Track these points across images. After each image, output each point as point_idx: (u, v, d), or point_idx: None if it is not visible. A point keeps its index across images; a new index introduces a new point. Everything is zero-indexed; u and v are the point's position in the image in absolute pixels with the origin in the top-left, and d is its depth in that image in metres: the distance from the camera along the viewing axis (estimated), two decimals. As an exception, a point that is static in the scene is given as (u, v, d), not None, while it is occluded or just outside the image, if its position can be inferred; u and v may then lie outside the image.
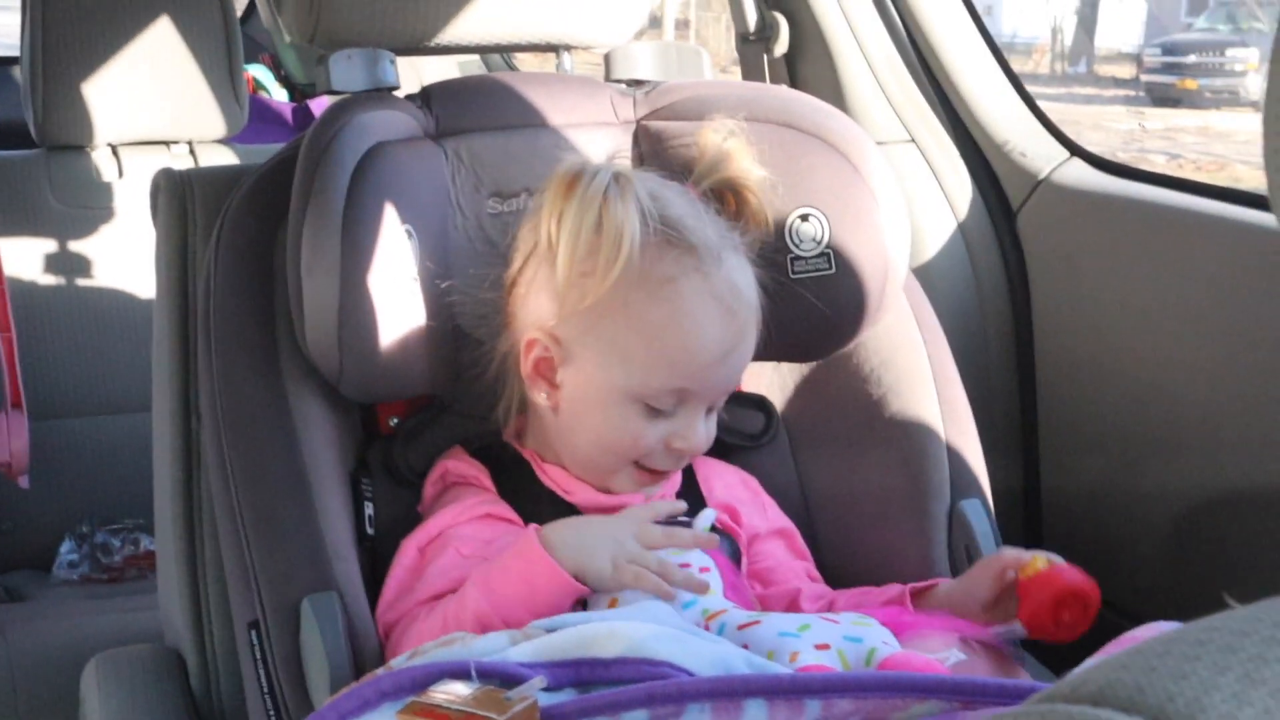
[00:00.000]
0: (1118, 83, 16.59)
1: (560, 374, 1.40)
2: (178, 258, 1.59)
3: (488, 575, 1.29)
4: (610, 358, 1.37)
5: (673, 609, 1.28)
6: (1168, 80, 14.11)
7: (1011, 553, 1.39)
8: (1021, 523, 2.11)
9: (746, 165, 1.49)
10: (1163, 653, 0.53)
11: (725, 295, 1.37)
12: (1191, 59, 13.66)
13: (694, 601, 1.28)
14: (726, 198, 1.49)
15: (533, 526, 1.31)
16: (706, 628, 1.26)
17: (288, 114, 3.32)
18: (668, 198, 1.40)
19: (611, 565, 1.26)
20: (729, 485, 1.52)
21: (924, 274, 2.03)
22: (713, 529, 1.43)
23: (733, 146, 1.49)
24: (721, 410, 1.58)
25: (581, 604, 1.31)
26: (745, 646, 1.23)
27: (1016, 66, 2.09)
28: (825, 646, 1.24)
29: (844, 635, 1.26)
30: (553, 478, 1.43)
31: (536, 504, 1.41)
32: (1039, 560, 1.37)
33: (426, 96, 1.58)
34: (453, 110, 1.55)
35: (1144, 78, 15.16)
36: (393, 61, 1.57)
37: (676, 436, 1.38)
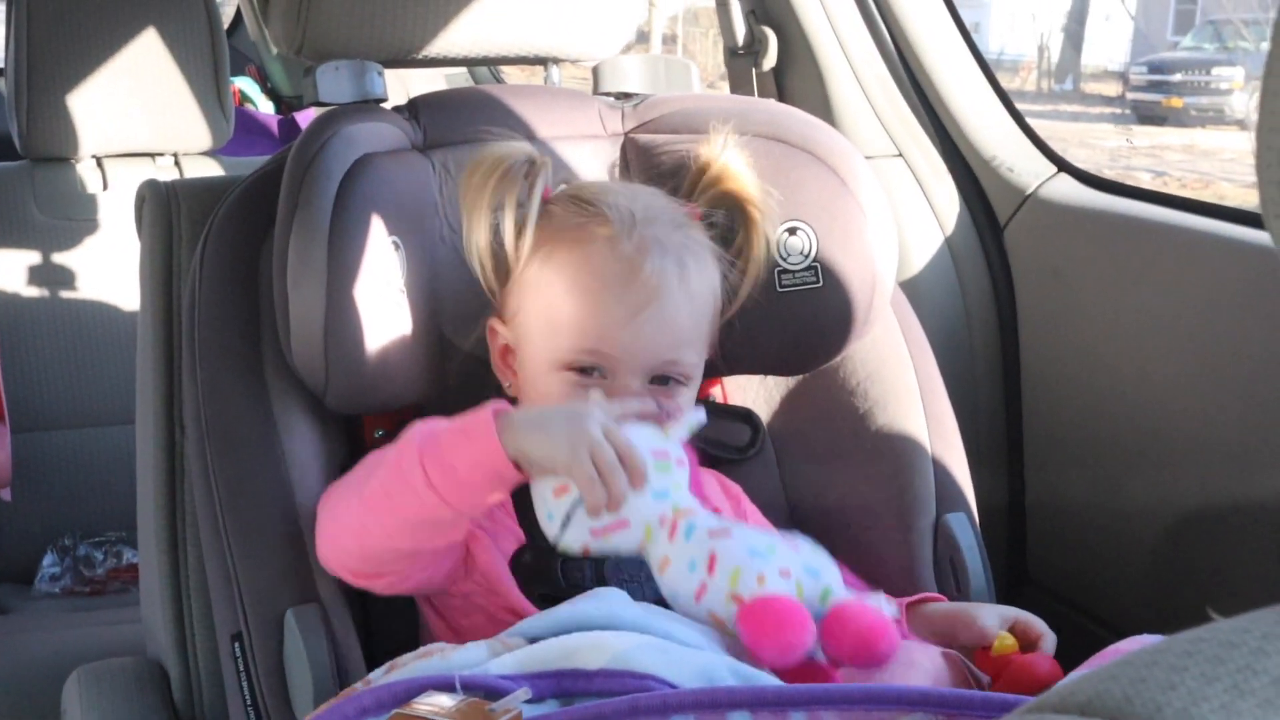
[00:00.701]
0: (1104, 100, 16.66)
1: (515, 358, 1.43)
2: (162, 270, 1.58)
3: (428, 432, 1.27)
4: (535, 330, 1.40)
5: (628, 597, 1.27)
6: (1154, 98, 14.16)
7: (981, 629, 1.38)
8: (1007, 536, 2.11)
9: (745, 179, 1.49)
10: (1151, 663, 0.53)
11: (633, 258, 1.36)
12: (1177, 77, 13.71)
13: (665, 494, 1.26)
14: (728, 213, 1.49)
15: (493, 404, 1.27)
16: (674, 526, 1.25)
17: (273, 126, 3.32)
18: (599, 184, 1.45)
19: (570, 447, 1.22)
20: (715, 494, 1.52)
21: (911, 288, 2.03)
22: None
23: (730, 160, 1.49)
24: (708, 424, 1.58)
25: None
26: (713, 555, 1.22)
27: (1003, 84, 2.09)
28: (788, 573, 1.23)
29: (804, 565, 1.25)
30: None
31: (531, 511, 1.41)
32: (1007, 639, 1.36)
33: (414, 108, 1.58)
34: (440, 122, 1.55)
35: (1130, 95, 15.22)
36: (380, 73, 1.57)
37: None
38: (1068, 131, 12.84)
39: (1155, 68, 14.61)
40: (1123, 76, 16.57)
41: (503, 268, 1.42)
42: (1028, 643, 1.38)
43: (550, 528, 1.26)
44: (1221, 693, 0.50)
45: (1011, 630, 1.39)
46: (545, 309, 1.40)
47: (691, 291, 1.39)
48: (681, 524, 1.25)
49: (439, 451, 1.24)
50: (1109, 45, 19.24)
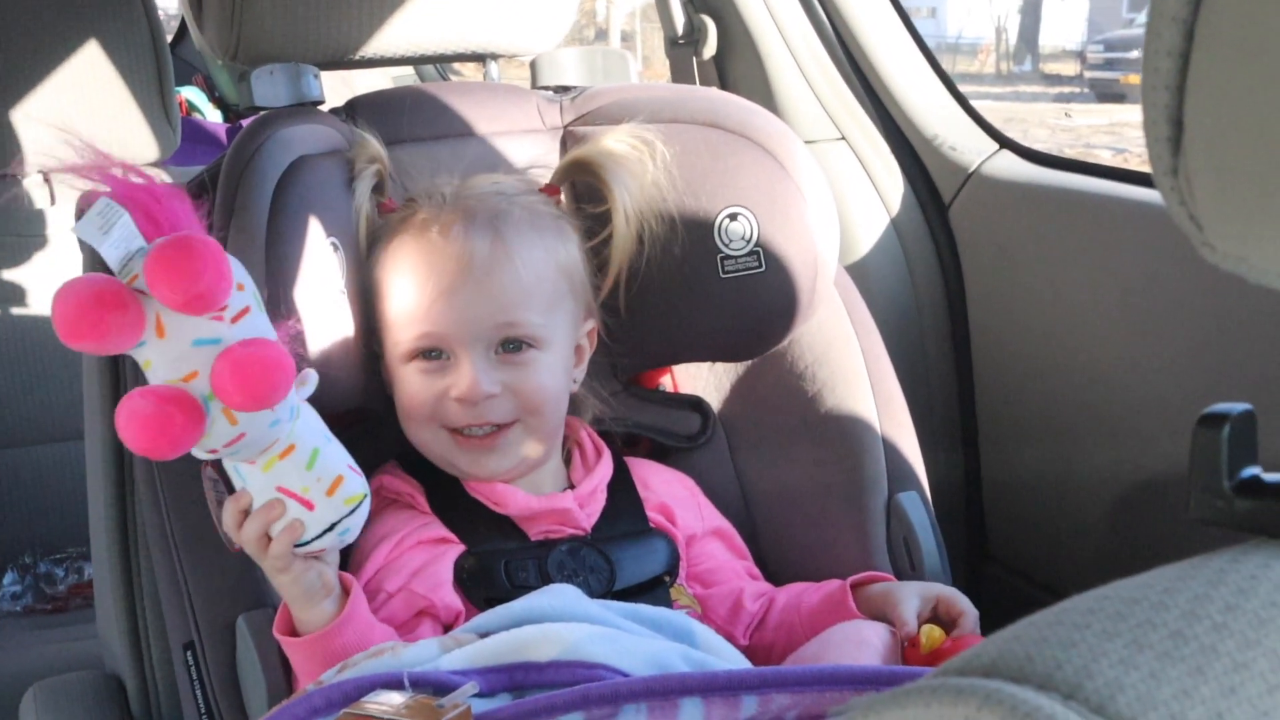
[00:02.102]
0: (1062, 80, 16.72)
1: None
2: (104, 280, 1.57)
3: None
4: (385, 331, 1.43)
5: (580, 592, 1.28)
6: (1111, 76, 14.22)
7: (900, 616, 1.37)
8: (963, 512, 2.12)
9: (598, 147, 1.51)
10: (1054, 623, 0.54)
11: (441, 234, 1.39)
12: (1134, 54, 13.75)
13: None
14: (585, 182, 1.52)
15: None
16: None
17: (222, 134, 3.31)
18: (436, 180, 1.47)
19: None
20: (666, 483, 1.52)
21: (859, 270, 2.04)
22: (647, 528, 1.43)
23: (596, 139, 1.53)
24: (658, 411, 1.58)
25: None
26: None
27: (962, 67, 2.11)
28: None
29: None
30: (479, 490, 1.43)
31: (469, 518, 1.41)
32: (934, 633, 1.37)
33: (351, 109, 1.57)
34: (378, 122, 1.54)
35: (1088, 74, 15.28)
36: (316, 76, 1.56)
37: (452, 387, 1.38)
38: (1027, 112, 12.88)
39: (1111, 46, 14.67)
40: (1080, 55, 16.64)
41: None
42: (950, 620, 1.39)
43: None
44: (1121, 648, 0.51)
45: (934, 609, 1.39)
46: (383, 307, 1.43)
47: (513, 252, 1.39)
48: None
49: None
50: (1066, 25, 19.32)
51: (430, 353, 1.39)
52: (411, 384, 1.40)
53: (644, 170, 1.50)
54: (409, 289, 1.40)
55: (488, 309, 1.38)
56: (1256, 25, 0.49)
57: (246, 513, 1.23)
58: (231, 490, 1.24)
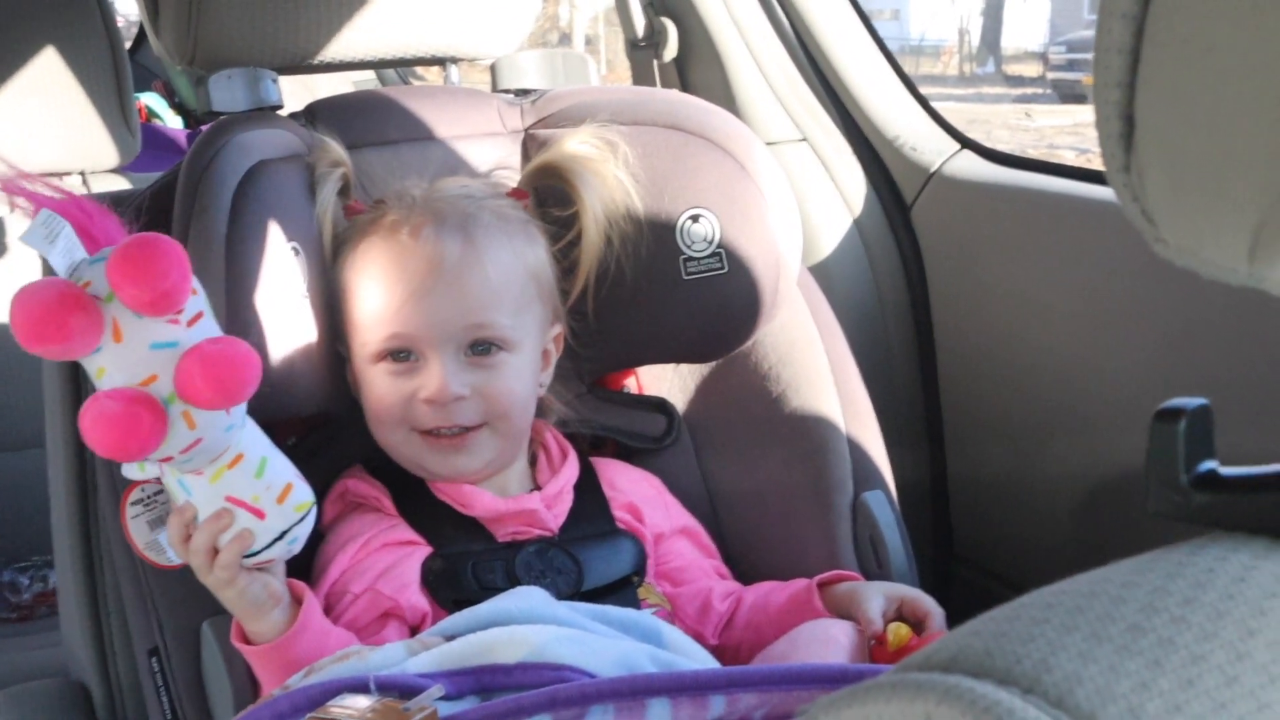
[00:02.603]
0: (1025, 81, 16.80)
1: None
2: (64, 287, 1.56)
3: None
4: (351, 333, 1.43)
5: (548, 594, 1.28)
6: (1074, 77, 14.31)
7: (865, 615, 1.38)
8: (930, 512, 2.13)
9: (564, 150, 1.52)
10: (1013, 617, 0.54)
11: (411, 236, 1.39)
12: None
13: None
14: (550, 185, 1.52)
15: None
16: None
17: (182, 140, 3.29)
18: (404, 183, 1.47)
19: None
20: (633, 482, 1.52)
21: (822, 271, 2.04)
22: (614, 528, 1.43)
23: (569, 144, 1.53)
24: (623, 413, 1.58)
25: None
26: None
27: (925, 69, 2.12)
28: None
29: None
30: (445, 492, 1.42)
31: (436, 520, 1.41)
32: (901, 630, 1.37)
33: (311, 114, 1.57)
34: (338, 126, 1.54)
35: (1051, 75, 15.37)
36: (274, 80, 1.56)
37: (421, 388, 1.38)
38: (990, 114, 12.94)
39: (1073, 46, 14.76)
40: (1043, 57, 16.73)
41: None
42: (916, 620, 1.39)
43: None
44: (1080, 641, 0.51)
45: (899, 610, 1.40)
46: (351, 309, 1.43)
47: (483, 255, 1.40)
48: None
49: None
50: (1028, 27, 19.41)
51: (399, 354, 1.39)
52: (380, 385, 1.40)
53: (609, 171, 1.50)
54: (378, 290, 1.40)
55: (458, 310, 1.38)
56: (1205, 21, 0.49)
57: (190, 526, 1.23)
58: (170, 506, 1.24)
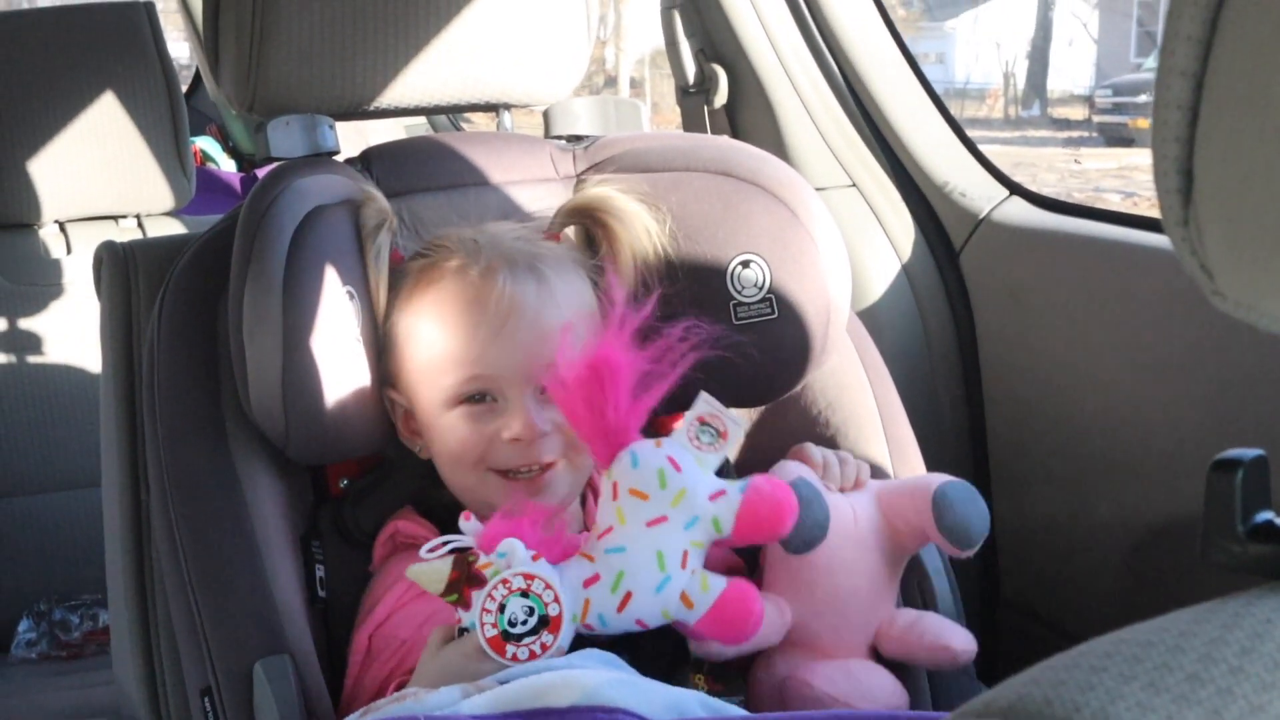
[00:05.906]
0: (1071, 125, 16.76)
1: (415, 420, 1.46)
2: (122, 330, 1.59)
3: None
4: (418, 379, 1.43)
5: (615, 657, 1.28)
6: (1120, 120, 14.26)
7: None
8: (979, 559, 2.12)
9: (596, 193, 1.53)
10: (1072, 666, 0.54)
11: (484, 278, 1.40)
12: (1142, 98, 13.80)
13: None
14: (591, 230, 1.54)
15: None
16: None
17: (236, 184, 3.33)
18: (448, 228, 1.49)
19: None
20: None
21: (870, 316, 2.05)
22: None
23: (596, 188, 1.55)
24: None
25: None
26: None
27: (970, 112, 2.13)
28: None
29: None
30: None
31: None
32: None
33: (366, 160, 1.59)
34: (393, 172, 1.56)
35: (1096, 119, 15.31)
36: (331, 126, 1.58)
37: (504, 428, 1.39)
38: (1036, 157, 12.91)
39: (1120, 90, 14.71)
40: (1088, 100, 16.68)
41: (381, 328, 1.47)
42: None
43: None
44: (1138, 690, 0.51)
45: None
46: (419, 355, 1.43)
47: (556, 294, 1.41)
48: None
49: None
50: (1074, 70, 19.37)
51: (476, 396, 1.40)
52: (460, 429, 1.41)
53: (643, 217, 1.52)
54: (452, 334, 1.40)
55: (539, 350, 1.38)
56: (1264, 79, 0.50)
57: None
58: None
